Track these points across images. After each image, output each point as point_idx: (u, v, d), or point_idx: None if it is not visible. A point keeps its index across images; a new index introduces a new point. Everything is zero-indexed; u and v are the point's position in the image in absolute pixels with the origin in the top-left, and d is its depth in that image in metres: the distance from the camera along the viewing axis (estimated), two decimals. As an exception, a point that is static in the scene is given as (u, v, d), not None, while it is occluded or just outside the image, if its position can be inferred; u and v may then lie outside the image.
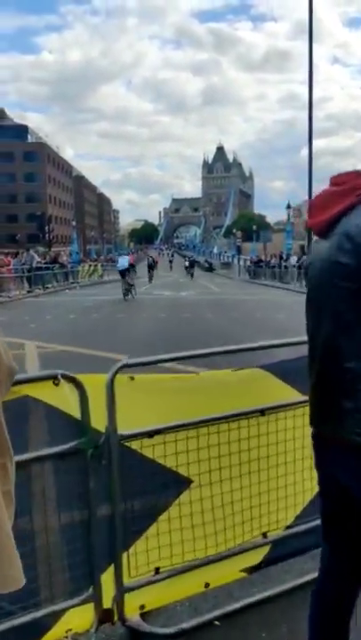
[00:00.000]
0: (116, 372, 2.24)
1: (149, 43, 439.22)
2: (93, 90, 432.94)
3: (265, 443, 2.65)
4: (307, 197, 29.42)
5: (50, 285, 27.54)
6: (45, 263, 28.97)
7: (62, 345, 9.89)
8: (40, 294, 24.34)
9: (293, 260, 32.47)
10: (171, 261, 65.61)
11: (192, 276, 42.02)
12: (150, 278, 33.86)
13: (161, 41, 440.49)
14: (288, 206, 42.94)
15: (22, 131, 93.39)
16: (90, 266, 39.12)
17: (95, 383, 2.23)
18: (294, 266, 31.16)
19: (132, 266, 21.94)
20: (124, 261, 22.53)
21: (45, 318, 14.84)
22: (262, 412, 2.62)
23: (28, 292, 24.39)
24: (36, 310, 17.17)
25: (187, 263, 47.03)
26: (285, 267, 33.35)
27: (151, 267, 36.00)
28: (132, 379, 2.32)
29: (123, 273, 21.68)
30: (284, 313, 16.12)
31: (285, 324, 13.32)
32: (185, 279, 39.52)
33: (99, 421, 2.23)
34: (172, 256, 78.36)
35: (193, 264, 45.99)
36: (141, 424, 2.34)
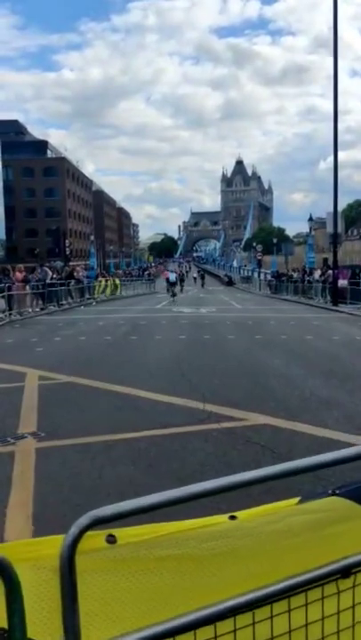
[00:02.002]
0: (79, 537, 1.15)
1: (168, 59, 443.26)
2: (113, 106, 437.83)
3: (349, 622, 1.54)
4: (331, 210, 28.27)
5: (64, 302, 26.63)
6: (60, 278, 28.04)
7: (68, 375, 8.85)
8: (54, 311, 23.44)
9: (317, 274, 31.20)
10: (187, 272, 76.76)
11: (203, 285, 53.11)
12: (181, 289, 40.19)
13: (180, 57, 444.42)
14: (310, 218, 41.79)
15: (42, 146, 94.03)
16: (106, 281, 37.86)
17: (36, 561, 1.15)
18: (318, 280, 29.90)
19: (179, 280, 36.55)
20: (172, 276, 35.19)
21: (54, 340, 13.84)
22: (345, 571, 1.51)
23: (42, 309, 23.51)
24: (47, 330, 16.22)
25: (195, 275, 61.07)
26: (309, 281, 32.06)
27: (182, 280, 43.21)
28: (113, 540, 1.24)
29: (172, 284, 33.63)
30: (312, 334, 14.96)
31: (315, 349, 12.15)
32: (204, 294, 40.98)
33: (42, 631, 1.16)
34: (189, 268, 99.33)
35: (203, 276, 58.09)
36: (129, 623, 1.25)
